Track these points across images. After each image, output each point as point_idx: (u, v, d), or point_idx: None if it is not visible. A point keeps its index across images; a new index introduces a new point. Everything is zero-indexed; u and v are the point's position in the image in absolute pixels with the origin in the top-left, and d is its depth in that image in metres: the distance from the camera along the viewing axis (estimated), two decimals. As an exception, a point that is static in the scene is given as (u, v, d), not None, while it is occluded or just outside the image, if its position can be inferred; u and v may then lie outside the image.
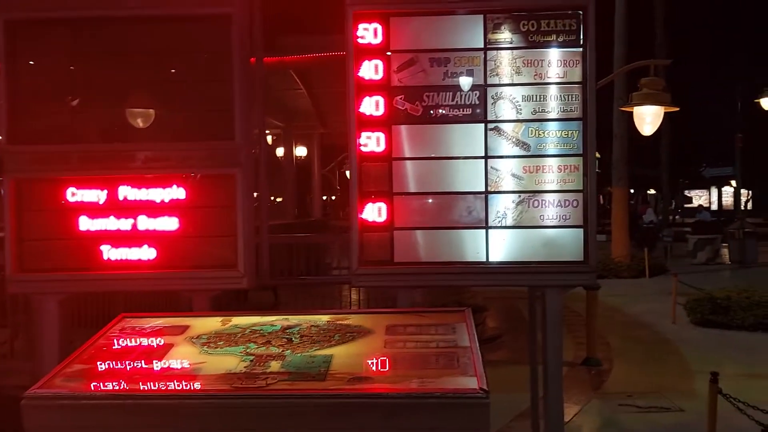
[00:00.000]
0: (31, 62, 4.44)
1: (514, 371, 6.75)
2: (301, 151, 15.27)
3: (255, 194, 4.65)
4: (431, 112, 4.46)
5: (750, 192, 38.29)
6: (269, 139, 14.47)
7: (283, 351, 3.39)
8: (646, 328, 10.66)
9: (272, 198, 14.98)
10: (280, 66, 8.76)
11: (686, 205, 46.61)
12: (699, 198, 49.96)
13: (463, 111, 4.46)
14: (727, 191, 42.60)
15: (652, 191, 43.20)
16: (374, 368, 3.22)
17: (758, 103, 19.79)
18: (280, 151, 14.35)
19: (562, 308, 4.59)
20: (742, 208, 33.01)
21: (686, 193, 47.72)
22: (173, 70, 4.46)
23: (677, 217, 41.46)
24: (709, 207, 37.43)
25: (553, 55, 4.41)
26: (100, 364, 3.31)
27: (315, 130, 14.60)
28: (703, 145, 35.78)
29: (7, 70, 4.32)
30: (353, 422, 2.83)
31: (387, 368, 3.24)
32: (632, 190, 42.50)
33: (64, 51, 4.44)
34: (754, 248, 19.85)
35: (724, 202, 44.76)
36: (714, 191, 48.10)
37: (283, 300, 8.77)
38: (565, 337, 9.39)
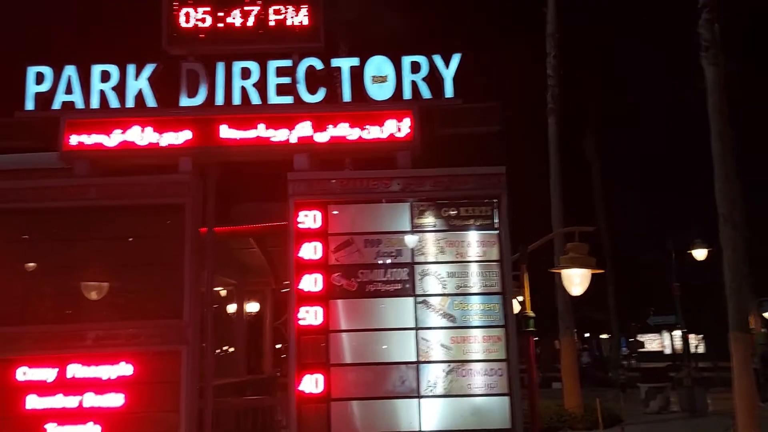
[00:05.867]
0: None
1: None
2: (252, 306, 15.43)
3: (203, 344, 4.86)
4: (365, 287, 4.89)
5: (701, 336, 39.18)
6: (222, 293, 14.65)
7: None
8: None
9: (224, 348, 14.89)
10: (237, 233, 9.28)
11: (639, 350, 47.17)
12: (652, 342, 50.73)
13: (394, 286, 4.91)
14: (678, 335, 43.40)
15: (604, 335, 43.82)
16: None
17: (690, 254, 21.04)
18: (232, 308, 14.50)
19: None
20: (693, 351, 33.59)
21: (638, 337, 48.48)
22: (128, 253, 4.83)
23: (632, 362, 41.79)
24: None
25: (473, 236, 4.97)
26: None
27: (268, 285, 14.89)
28: (650, 291, 36.99)
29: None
30: None
31: None
32: (587, 335, 43.08)
33: (20, 236, 4.80)
34: (703, 397, 19.97)
35: (676, 346, 45.42)
36: (666, 335, 48.94)
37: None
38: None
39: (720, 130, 10.77)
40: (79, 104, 5.04)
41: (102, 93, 5.06)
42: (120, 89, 5.06)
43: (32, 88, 5.06)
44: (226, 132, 5.04)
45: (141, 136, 4.97)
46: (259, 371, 16.55)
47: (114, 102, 5.05)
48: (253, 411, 8.42)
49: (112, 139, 4.96)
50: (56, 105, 5.05)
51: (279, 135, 5.05)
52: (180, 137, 4.98)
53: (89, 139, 4.97)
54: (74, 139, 4.97)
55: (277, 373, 16.23)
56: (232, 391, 10.15)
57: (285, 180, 5.05)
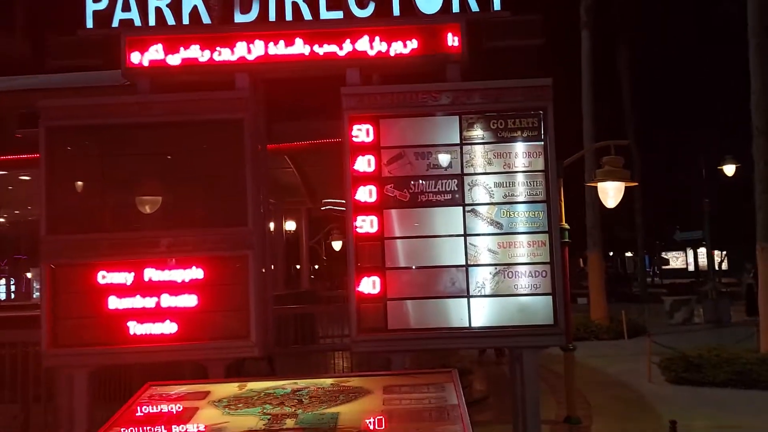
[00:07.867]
0: (67, 161, 5.08)
1: (500, 431, 7.21)
2: (290, 225, 15.97)
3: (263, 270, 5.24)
4: (417, 197, 5.14)
5: (724, 252, 39.34)
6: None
7: (295, 410, 3.92)
8: (623, 387, 11.15)
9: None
10: (276, 151, 9.55)
11: (664, 267, 47.64)
12: (676, 260, 51.10)
13: (444, 196, 5.15)
14: (702, 252, 43.64)
15: (629, 254, 44.24)
16: (377, 422, 3.75)
17: (721, 170, 20.97)
18: (270, 226, 15.03)
19: (538, 366, 5.17)
20: (717, 268, 33.90)
21: (663, 254, 48.83)
22: (193, 166, 5.11)
23: (655, 278, 42.36)
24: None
25: (519, 148, 5.15)
26: (134, 430, 3.79)
27: (303, 204, 15.36)
28: (675, 209, 36.97)
29: (46, 169, 4.95)
30: (360, 468, 3.34)
31: (388, 422, 3.77)
32: (611, 253, 43.48)
33: (95, 151, 5.10)
34: (727, 308, 20.45)
35: (699, 263, 45.70)
36: (690, 252, 49.19)
37: (279, 369, 9.19)
38: (548, 397, 9.93)
39: (759, 42, 10.56)
40: (137, 22, 5.20)
41: (158, 10, 5.20)
42: (175, 6, 5.19)
43: (90, 6, 5.20)
44: (280, 48, 5.18)
45: (200, 53, 5.14)
46: (297, 286, 17.30)
47: (170, 19, 5.19)
48: (297, 319, 8.93)
49: (172, 57, 5.14)
50: (114, 23, 5.21)
51: (332, 50, 5.19)
52: (236, 53, 5.14)
53: (150, 57, 5.16)
54: (135, 57, 5.16)
55: (313, 286, 16.99)
56: (275, 303, 10.67)
57: (322, 99, 5.18)
